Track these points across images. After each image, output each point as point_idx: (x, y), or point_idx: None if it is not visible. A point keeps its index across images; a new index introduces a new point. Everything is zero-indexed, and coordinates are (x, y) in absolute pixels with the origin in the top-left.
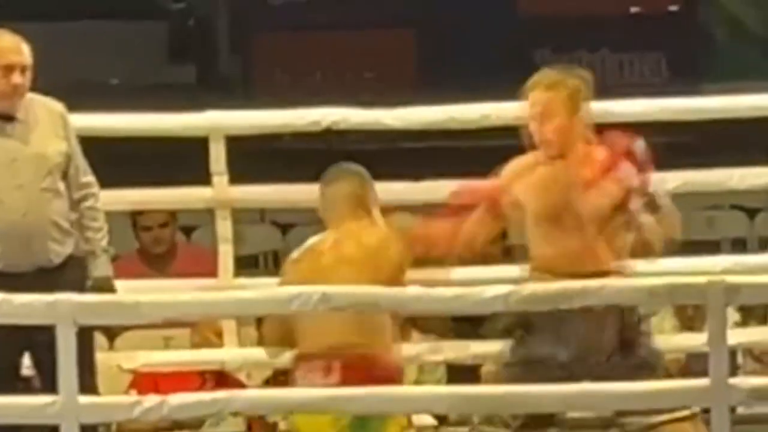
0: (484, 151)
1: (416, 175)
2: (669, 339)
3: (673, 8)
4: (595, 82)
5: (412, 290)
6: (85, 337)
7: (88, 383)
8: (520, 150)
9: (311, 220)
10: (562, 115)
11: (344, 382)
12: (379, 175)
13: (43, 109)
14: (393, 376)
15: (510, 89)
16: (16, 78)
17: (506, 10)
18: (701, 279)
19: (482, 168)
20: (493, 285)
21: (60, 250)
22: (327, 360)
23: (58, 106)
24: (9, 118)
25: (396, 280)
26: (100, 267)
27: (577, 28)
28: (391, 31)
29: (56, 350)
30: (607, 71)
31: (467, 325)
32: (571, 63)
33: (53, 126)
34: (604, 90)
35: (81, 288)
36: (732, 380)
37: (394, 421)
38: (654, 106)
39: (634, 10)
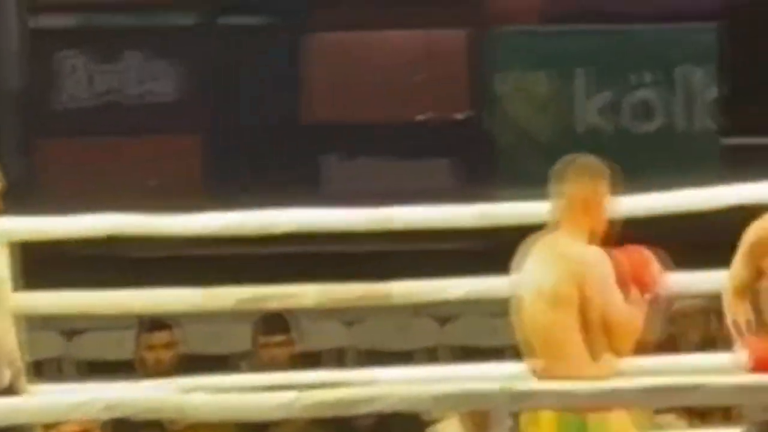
0: (269, 258)
1: (202, 282)
2: None
3: (460, 116)
4: (383, 189)
5: (196, 396)
6: None
7: None
8: (305, 257)
9: (96, 326)
10: None
11: None
12: (163, 282)
13: None
14: None
15: (296, 195)
16: None
17: (290, 117)
18: (487, 385)
19: (269, 275)
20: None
21: None
22: None
23: None
24: None
25: None
26: None
27: (363, 134)
28: (176, 136)
29: None
30: (394, 178)
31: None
32: (357, 169)
33: None
34: (391, 197)
35: None
36: None
37: None
38: (441, 212)
39: (420, 117)
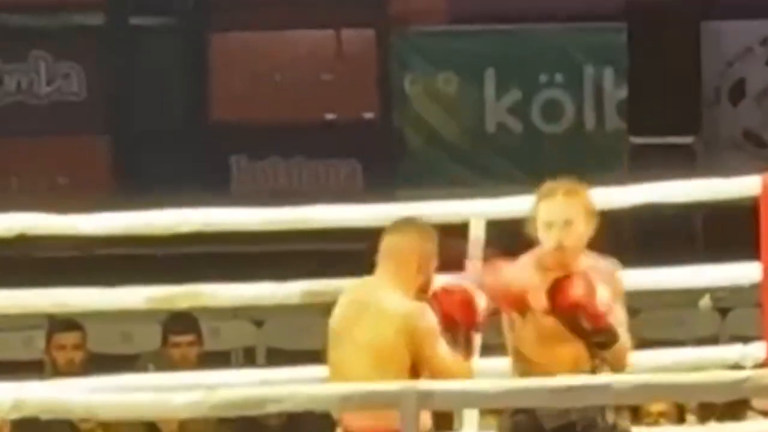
0: (178, 258)
1: (111, 282)
2: None
3: (369, 115)
4: (292, 188)
5: (105, 396)
6: None
7: None
8: (214, 257)
9: (3, 327)
10: (581, 223)
11: None
12: (74, 282)
13: None
14: None
15: (205, 195)
16: None
17: (200, 117)
18: (395, 385)
19: (176, 276)
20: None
21: None
22: None
23: None
24: None
25: None
26: None
27: (272, 134)
28: (85, 136)
29: None
30: (303, 178)
31: None
32: (265, 169)
33: None
34: (301, 196)
35: None
36: None
37: None
38: (349, 212)
39: (329, 117)
